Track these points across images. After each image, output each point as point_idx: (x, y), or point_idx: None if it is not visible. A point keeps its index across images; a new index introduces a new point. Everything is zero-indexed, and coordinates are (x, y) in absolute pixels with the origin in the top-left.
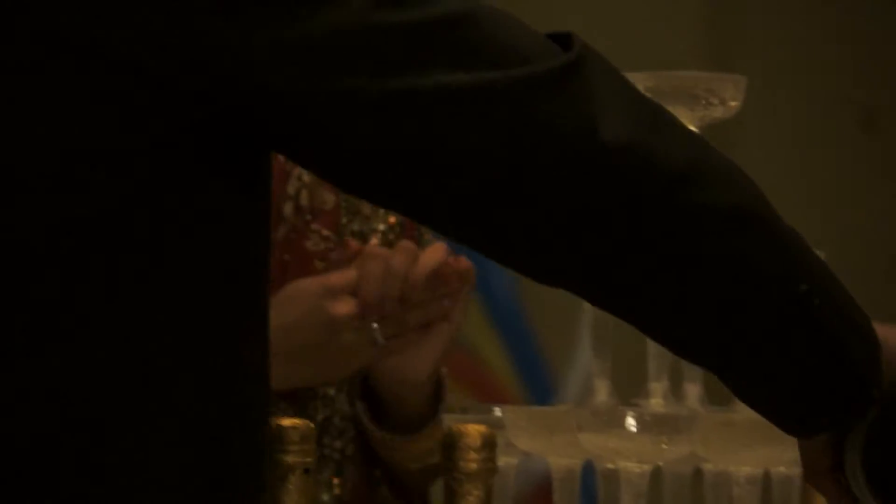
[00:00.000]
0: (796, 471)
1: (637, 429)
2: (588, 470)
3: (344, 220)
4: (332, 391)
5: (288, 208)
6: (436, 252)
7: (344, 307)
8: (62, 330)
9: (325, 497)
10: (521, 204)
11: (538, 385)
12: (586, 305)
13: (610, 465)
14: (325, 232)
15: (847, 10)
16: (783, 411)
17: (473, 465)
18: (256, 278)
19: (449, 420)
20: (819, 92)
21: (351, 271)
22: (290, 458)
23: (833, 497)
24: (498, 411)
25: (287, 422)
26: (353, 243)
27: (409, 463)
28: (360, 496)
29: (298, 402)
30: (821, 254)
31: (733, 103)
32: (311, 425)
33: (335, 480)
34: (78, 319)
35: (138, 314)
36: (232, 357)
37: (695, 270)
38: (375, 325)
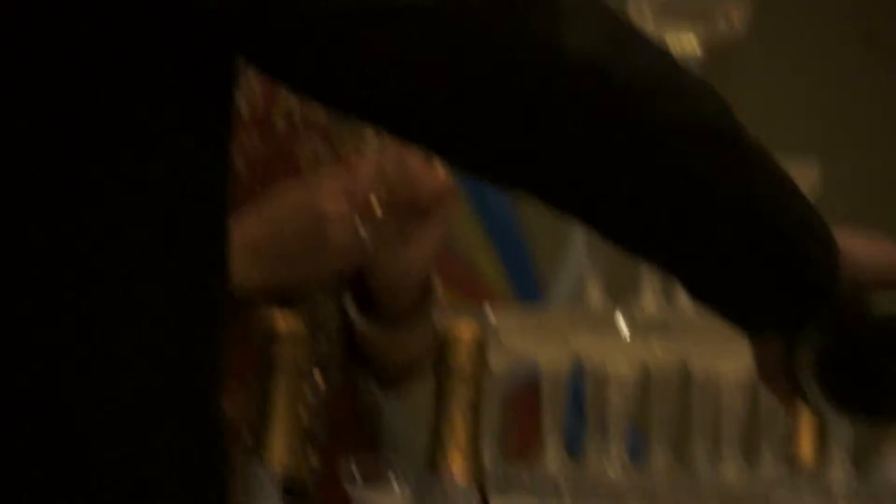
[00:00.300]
0: None
1: (628, 330)
2: (577, 371)
3: (334, 128)
4: (320, 294)
5: (280, 119)
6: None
7: (335, 203)
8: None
9: (311, 400)
10: (487, 112)
11: (528, 288)
12: None
13: (599, 367)
14: (316, 139)
15: None
16: (738, 311)
17: (464, 364)
18: (217, 189)
19: (440, 320)
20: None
21: (343, 173)
22: (282, 354)
23: (784, 397)
24: (489, 311)
25: (280, 318)
26: (352, 159)
27: (394, 357)
28: (344, 400)
29: (286, 304)
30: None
31: (738, 22)
32: (303, 325)
33: (320, 383)
34: (41, 224)
35: (103, 214)
36: (192, 259)
37: (654, 181)
38: (362, 228)
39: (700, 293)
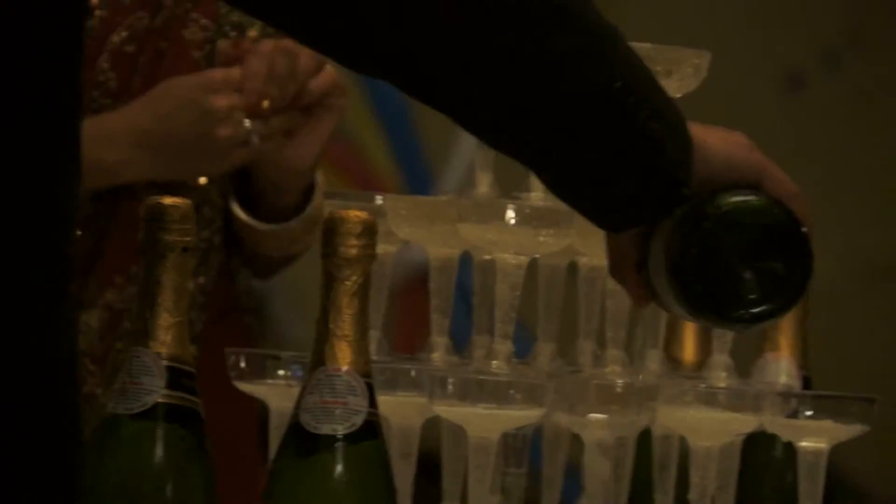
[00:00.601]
0: None
1: (516, 221)
2: (465, 260)
3: (223, 10)
4: (203, 180)
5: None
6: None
7: (222, 100)
8: None
9: (189, 285)
10: None
11: (418, 176)
12: None
13: (487, 256)
14: (204, 21)
15: None
16: (593, 204)
17: (353, 251)
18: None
19: (330, 206)
20: None
21: (233, 69)
22: (169, 237)
23: (634, 291)
24: (379, 199)
25: (168, 200)
26: (245, 43)
27: (273, 251)
28: (221, 285)
29: (169, 189)
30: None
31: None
32: (191, 204)
33: (200, 269)
34: None
35: None
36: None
37: (510, 65)
38: (249, 124)
39: (555, 184)
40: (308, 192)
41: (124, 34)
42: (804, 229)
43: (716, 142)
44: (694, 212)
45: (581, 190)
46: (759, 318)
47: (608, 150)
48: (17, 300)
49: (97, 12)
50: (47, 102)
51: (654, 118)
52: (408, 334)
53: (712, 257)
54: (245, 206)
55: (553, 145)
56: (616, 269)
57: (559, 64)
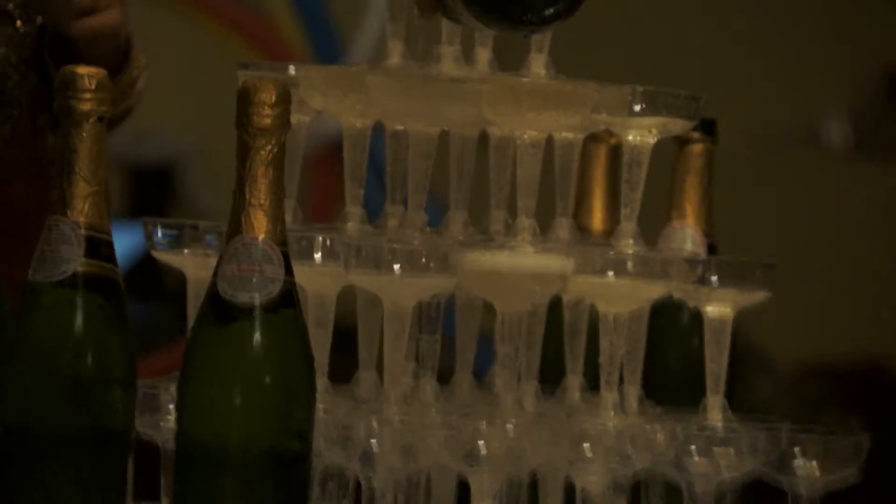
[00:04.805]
0: (579, 136)
1: (426, 91)
2: (377, 131)
3: None
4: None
5: None
6: None
7: None
8: None
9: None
10: None
11: (327, 47)
12: None
13: (399, 127)
14: None
15: None
16: None
17: (267, 121)
18: None
19: (244, 76)
20: None
21: None
22: (84, 106)
23: (422, 4)
24: (292, 69)
25: (82, 69)
26: None
27: None
28: (23, 141)
29: None
30: None
31: None
32: (106, 73)
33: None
34: None
35: None
36: None
37: None
38: None
39: None
40: (126, 59)
41: None
42: None
43: None
44: None
45: None
46: (546, 19)
47: None
48: None
49: None
50: None
51: None
52: (323, 205)
53: None
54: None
55: None
56: None
57: None
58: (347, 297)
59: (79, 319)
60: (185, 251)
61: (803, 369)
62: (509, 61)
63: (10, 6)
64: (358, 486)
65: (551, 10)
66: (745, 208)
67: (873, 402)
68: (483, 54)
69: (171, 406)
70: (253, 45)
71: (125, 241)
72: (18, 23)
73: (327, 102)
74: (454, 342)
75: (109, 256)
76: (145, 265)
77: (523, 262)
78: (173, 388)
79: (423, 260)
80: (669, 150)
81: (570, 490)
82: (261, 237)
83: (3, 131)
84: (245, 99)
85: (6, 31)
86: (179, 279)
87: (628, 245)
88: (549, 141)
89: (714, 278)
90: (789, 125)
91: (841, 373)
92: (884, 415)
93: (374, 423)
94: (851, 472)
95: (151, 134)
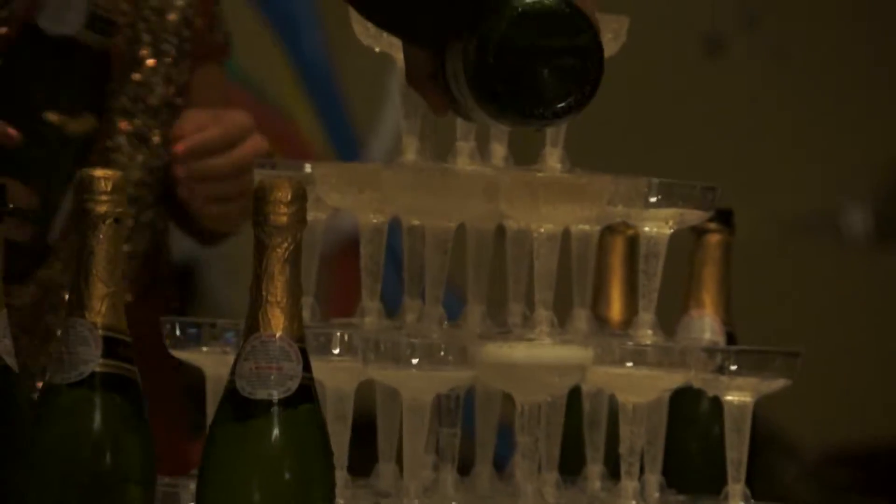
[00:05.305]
0: (595, 228)
1: (441, 186)
2: (394, 227)
3: None
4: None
5: None
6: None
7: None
8: None
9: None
10: None
11: (345, 144)
12: (398, 66)
13: (416, 222)
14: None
15: None
16: (413, 24)
17: (283, 219)
18: None
19: (259, 175)
20: None
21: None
22: (101, 208)
23: (432, 100)
24: (308, 167)
25: (99, 172)
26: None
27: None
28: (149, 258)
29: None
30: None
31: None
32: (122, 175)
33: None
34: None
35: None
36: None
37: None
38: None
39: (380, 16)
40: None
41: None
42: (592, 24)
43: None
44: (489, 14)
45: (397, 12)
46: (558, 113)
47: None
48: None
49: None
50: None
51: None
52: (341, 300)
53: (509, 56)
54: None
55: None
56: (413, 78)
57: None
58: (366, 390)
59: (97, 419)
60: (204, 349)
61: (826, 455)
62: (525, 156)
63: (155, 138)
64: None
65: (563, 105)
66: (764, 296)
67: None
68: (499, 149)
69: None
70: (270, 141)
71: None
72: (156, 139)
73: (344, 199)
74: (474, 433)
75: (127, 356)
76: None
77: (541, 353)
78: (192, 486)
79: (442, 353)
80: (687, 239)
81: None
82: (278, 334)
83: (137, 251)
84: (261, 197)
85: (141, 153)
86: (192, 379)
87: (647, 335)
88: (566, 233)
89: (733, 367)
90: (808, 214)
91: (864, 457)
92: None
93: None
94: None
95: (171, 232)
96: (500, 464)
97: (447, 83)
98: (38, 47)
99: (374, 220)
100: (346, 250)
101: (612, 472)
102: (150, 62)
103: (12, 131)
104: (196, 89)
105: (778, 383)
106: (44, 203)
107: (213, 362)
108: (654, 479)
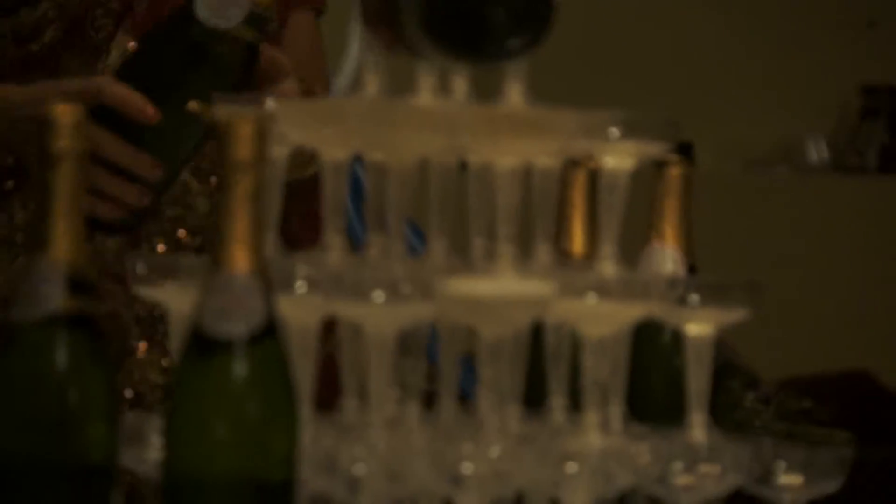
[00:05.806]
0: (557, 162)
1: (406, 122)
2: (357, 162)
3: None
4: None
5: None
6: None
7: None
8: None
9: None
10: None
11: None
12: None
13: (378, 157)
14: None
15: None
16: None
17: (245, 155)
18: None
19: (220, 111)
20: None
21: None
22: (62, 142)
23: (387, 43)
24: (270, 103)
25: (60, 107)
26: None
27: None
28: None
29: None
30: None
31: None
32: (83, 111)
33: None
34: None
35: None
36: None
37: None
38: None
39: None
40: None
41: None
42: None
43: None
44: None
45: None
46: (511, 52)
47: None
48: None
49: None
50: None
51: None
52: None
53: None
54: None
55: None
56: (366, 16)
57: None
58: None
59: (59, 358)
60: (167, 285)
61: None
62: (490, 91)
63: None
64: None
65: (516, 42)
66: (726, 228)
67: (861, 415)
68: (461, 84)
69: (157, 437)
70: None
71: None
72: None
73: (306, 135)
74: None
75: (90, 295)
76: None
77: (504, 288)
78: (157, 423)
79: (405, 288)
80: (649, 172)
81: None
82: (241, 270)
83: None
84: (223, 134)
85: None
86: None
87: (608, 267)
88: (529, 168)
89: (694, 298)
90: (767, 146)
91: (827, 386)
92: (873, 427)
93: (359, 449)
94: (836, 485)
95: None
96: (469, 395)
97: (401, 22)
98: (185, 34)
99: (337, 156)
100: (307, 183)
101: (575, 404)
102: None
103: (151, 109)
104: (287, 36)
105: (739, 313)
106: (165, 176)
107: (177, 299)
108: (616, 410)
